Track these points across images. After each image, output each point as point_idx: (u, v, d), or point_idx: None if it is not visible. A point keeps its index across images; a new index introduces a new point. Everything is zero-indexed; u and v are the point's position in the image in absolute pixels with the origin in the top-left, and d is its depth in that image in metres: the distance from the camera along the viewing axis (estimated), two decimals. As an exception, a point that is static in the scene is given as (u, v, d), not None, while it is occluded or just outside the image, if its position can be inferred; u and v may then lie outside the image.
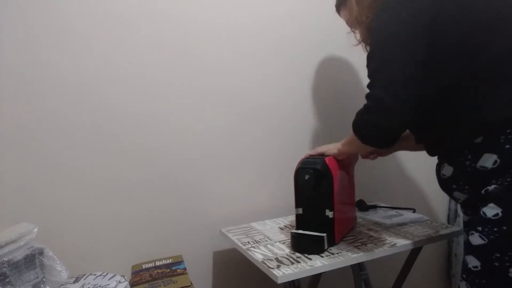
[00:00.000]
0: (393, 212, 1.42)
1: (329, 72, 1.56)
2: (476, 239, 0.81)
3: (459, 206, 1.11)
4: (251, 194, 1.47)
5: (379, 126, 0.87)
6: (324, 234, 1.06)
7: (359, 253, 1.05)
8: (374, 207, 1.49)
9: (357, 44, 1.17)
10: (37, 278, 1.01)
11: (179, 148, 1.34)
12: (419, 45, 0.84)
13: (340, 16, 1.24)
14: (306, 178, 1.06)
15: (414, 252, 1.34)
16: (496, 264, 0.77)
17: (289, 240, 1.13)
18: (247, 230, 1.32)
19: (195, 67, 1.34)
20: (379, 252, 1.07)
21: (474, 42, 0.82)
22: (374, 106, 0.87)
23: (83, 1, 1.18)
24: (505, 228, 0.76)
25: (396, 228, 1.26)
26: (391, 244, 1.11)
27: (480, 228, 0.80)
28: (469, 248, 0.83)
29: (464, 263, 0.85)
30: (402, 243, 1.11)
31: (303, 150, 1.53)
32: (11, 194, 1.13)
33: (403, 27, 0.85)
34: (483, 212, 0.80)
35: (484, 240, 0.79)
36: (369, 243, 1.13)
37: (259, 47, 1.44)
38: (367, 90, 0.89)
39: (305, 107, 1.53)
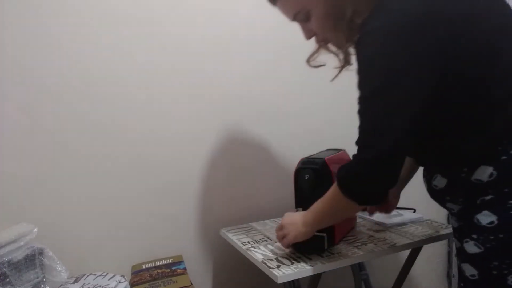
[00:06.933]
0: (393, 212, 1.42)
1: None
2: (471, 247, 0.78)
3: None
4: (251, 194, 1.47)
5: (385, 181, 0.79)
6: (324, 234, 1.05)
7: (359, 253, 1.05)
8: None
9: (314, 55, 0.98)
10: (37, 278, 1.01)
11: (179, 148, 1.34)
12: (434, 78, 0.74)
13: (280, 1, 0.89)
14: (306, 178, 1.06)
15: (414, 252, 1.34)
16: (495, 272, 0.74)
17: (289, 240, 1.13)
18: (247, 230, 1.32)
19: (198, 72, 1.34)
20: (379, 252, 1.07)
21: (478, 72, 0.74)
22: (380, 160, 0.76)
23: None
24: (501, 236, 0.73)
25: (396, 228, 1.25)
26: (391, 244, 1.11)
27: (475, 236, 0.78)
28: (465, 256, 0.81)
29: (461, 271, 0.82)
30: (402, 243, 1.11)
31: (303, 150, 1.52)
32: (11, 194, 1.13)
33: (416, 59, 0.72)
34: (477, 219, 0.77)
35: (480, 249, 0.76)
36: (369, 243, 1.13)
37: (258, 43, 1.44)
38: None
39: (306, 108, 1.53)
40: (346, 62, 0.95)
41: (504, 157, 0.73)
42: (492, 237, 0.74)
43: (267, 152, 1.48)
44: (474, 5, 0.75)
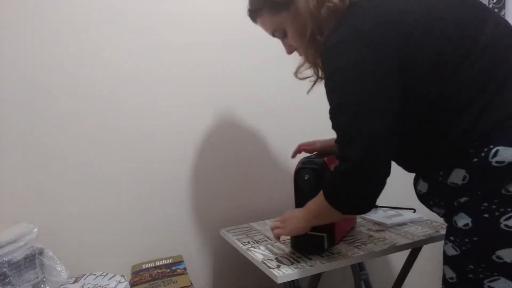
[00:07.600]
0: (393, 212, 1.42)
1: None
2: (449, 250, 0.78)
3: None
4: (251, 194, 1.47)
5: (364, 192, 0.79)
6: (324, 234, 1.06)
7: (359, 253, 1.05)
8: (374, 207, 1.49)
9: (301, 67, 1.01)
10: (37, 278, 1.01)
11: (179, 148, 1.34)
12: (394, 88, 0.76)
13: (258, 20, 0.97)
14: (306, 178, 1.06)
15: (414, 252, 1.34)
16: (471, 276, 0.74)
17: (289, 240, 1.13)
18: (247, 230, 1.32)
19: (198, 73, 1.34)
20: (379, 252, 1.07)
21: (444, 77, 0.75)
22: (354, 171, 0.77)
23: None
24: (476, 239, 0.73)
25: (396, 228, 1.26)
26: (391, 244, 1.11)
27: (452, 238, 0.78)
28: (445, 258, 0.81)
29: (443, 273, 0.82)
30: (402, 243, 1.11)
31: (303, 150, 1.52)
32: (11, 194, 1.13)
33: (373, 70, 0.75)
34: (454, 221, 0.77)
35: (457, 251, 0.76)
36: (369, 243, 1.13)
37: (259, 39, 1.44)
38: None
39: (307, 108, 1.53)
40: (318, 77, 0.99)
41: (475, 160, 0.73)
42: (467, 240, 0.74)
43: (267, 152, 1.48)
44: (430, 11, 0.76)
